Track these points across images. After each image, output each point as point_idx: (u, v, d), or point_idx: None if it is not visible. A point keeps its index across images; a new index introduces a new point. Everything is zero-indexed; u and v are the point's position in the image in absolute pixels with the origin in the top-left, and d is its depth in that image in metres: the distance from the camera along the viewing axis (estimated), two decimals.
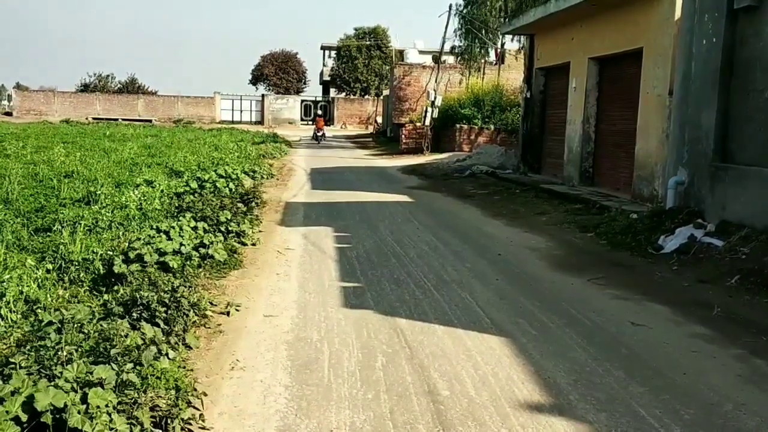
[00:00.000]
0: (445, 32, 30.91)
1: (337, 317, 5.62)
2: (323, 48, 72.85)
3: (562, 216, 11.33)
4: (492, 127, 26.13)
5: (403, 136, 29.39)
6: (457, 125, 26.57)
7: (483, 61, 33.24)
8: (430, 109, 27.18)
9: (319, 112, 49.90)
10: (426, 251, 8.46)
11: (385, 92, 50.42)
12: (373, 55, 66.19)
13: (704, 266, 7.44)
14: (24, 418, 2.82)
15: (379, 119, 51.08)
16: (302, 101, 65.11)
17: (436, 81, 29.95)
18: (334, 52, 69.48)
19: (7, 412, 2.78)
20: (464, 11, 31.55)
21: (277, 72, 72.84)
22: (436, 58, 32.40)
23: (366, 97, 65.38)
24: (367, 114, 61.37)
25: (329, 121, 62.91)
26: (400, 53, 52.25)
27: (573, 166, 15.14)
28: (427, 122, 27.25)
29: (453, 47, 32.81)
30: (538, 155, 18.17)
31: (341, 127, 60.46)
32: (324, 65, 73.19)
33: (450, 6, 30.23)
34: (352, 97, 66.52)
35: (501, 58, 34.46)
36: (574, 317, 5.76)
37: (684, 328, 5.57)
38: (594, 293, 6.67)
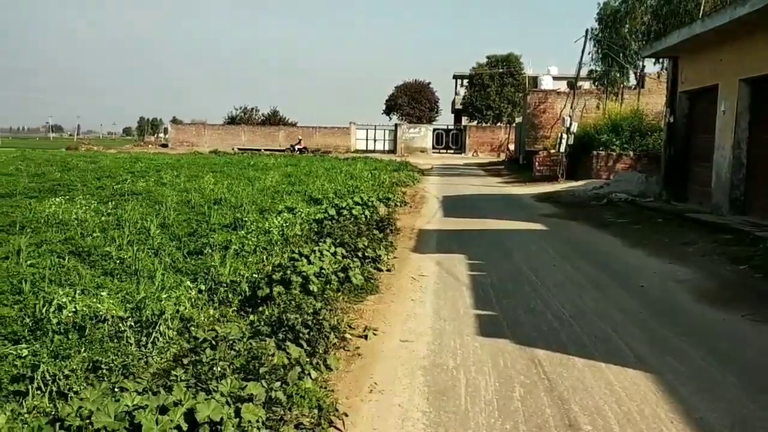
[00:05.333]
0: (581, 57, 30.25)
1: (472, 345, 5.60)
2: (455, 77, 73.44)
3: (711, 247, 10.65)
4: (631, 153, 25.14)
5: (536, 163, 28.91)
6: (594, 152, 25.79)
7: (621, 85, 32.19)
8: (565, 136, 26.57)
9: (300, 137, 60.69)
10: (562, 281, 8.24)
11: (518, 119, 49.98)
12: (505, 83, 65.81)
13: None
14: (185, 427, 3.03)
15: (512, 147, 50.58)
16: (434, 130, 65.72)
17: (571, 107, 29.31)
18: (467, 80, 69.81)
19: (171, 420, 3.00)
20: (600, 36, 30.79)
21: (410, 102, 74.07)
22: (572, 84, 31.76)
23: (498, 124, 65.01)
24: (499, 141, 60.95)
25: (460, 149, 63.09)
26: (534, 80, 51.74)
27: (722, 194, 14.23)
28: (562, 149, 26.64)
29: (590, 72, 32.03)
30: (683, 182, 17.24)
31: (473, 155, 60.37)
32: (456, 93, 73.71)
33: (586, 31, 29.57)
34: (483, 124, 66.36)
35: (641, 81, 33.25)
36: (727, 355, 5.39)
37: None
38: (749, 330, 6.21)
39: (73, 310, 5.43)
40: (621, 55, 30.22)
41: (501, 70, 65.95)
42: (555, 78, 46.11)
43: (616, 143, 25.66)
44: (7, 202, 12.29)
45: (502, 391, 4.57)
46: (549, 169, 27.74)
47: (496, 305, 7.01)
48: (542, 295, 7.45)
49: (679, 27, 17.04)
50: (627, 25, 29.07)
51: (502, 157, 52.51)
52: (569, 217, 15.74)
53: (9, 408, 3.91)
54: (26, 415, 3.93)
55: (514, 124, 54.15)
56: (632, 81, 34.09)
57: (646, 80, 33.45)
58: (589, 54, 31.28)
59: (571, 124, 26.70)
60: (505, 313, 6.69)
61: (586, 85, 35.15)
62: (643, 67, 32.77)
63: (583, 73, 31.29)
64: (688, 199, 16.80)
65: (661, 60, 26.01)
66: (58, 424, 3.10)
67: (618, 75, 31.28)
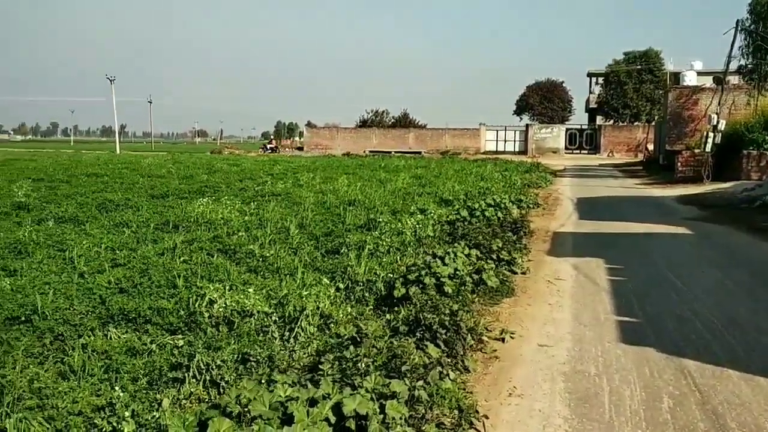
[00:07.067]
0: (731, 51, 28.19)
1: (615, 352, 5.39)
2: (590, 75, 71.07)
3: None
4: None
5: (678, 163, 27.33)
6: (744, 151, 24.08)
7: None
8: (711, 134, 24.95)
9: (272, 137, 67.45)
10: (711, 288, 7.75)
11: (657, 118, 47.59)
12: (644, 80, 62.86)
13: None
14: (333, 420, 3.14)
15: (650, 146, 48.21)
16: (567, 130, 63.93)
17: (718, 103, 27.48)
18: (602, 78, 67.36)
19: (320, 412, 3.12)
20: (753, 27, 28.64)
21: (542, 101, 72.52)
22: (718, 80, 29.74)
23: (636, 123, 62.16)
24: (637, 141, 58.26)
25: (594, 149, 60.95)
26: (675, 76, 48.97)
27: None
28: (708, 148, 25.02)
29: (740, 66, 29.87)
30: None
31: (608, 156, 58.11)
32: (591, 92, 71.33)
33: (737, 22, 27.56)
34: (620, 124, 63.70)
35: None
36: None
37: None
38: None
39: (223, 305, 5.76)
40: None
41: (639, 67, 63.04)
42: (699, 73, 43.29)
43: None
44: (161, 203, 13.24)
45: (649, 401, 4.37)
46: (693, 170, 26.14)
47: (639, 312, 6.71)
48: (689, 302, 7.05)
49: None
50: None
51: (640, 157, 50.14)
52: (717, 220, 14.75)
53: (170, 393, 4.22)
54: (184, 401, 4.23)
55: (653, 123, 51.58)
56: None
57: None
58: (739, 47, 29.18)
59: (718, 121, 25.04)
60: (649, 320, 6.38)
61: (734, 80, 32.79)
62: None
63: (732, 67, 29.22)
64: None
65: None
66: (219, 410, 3.31)
67: None
